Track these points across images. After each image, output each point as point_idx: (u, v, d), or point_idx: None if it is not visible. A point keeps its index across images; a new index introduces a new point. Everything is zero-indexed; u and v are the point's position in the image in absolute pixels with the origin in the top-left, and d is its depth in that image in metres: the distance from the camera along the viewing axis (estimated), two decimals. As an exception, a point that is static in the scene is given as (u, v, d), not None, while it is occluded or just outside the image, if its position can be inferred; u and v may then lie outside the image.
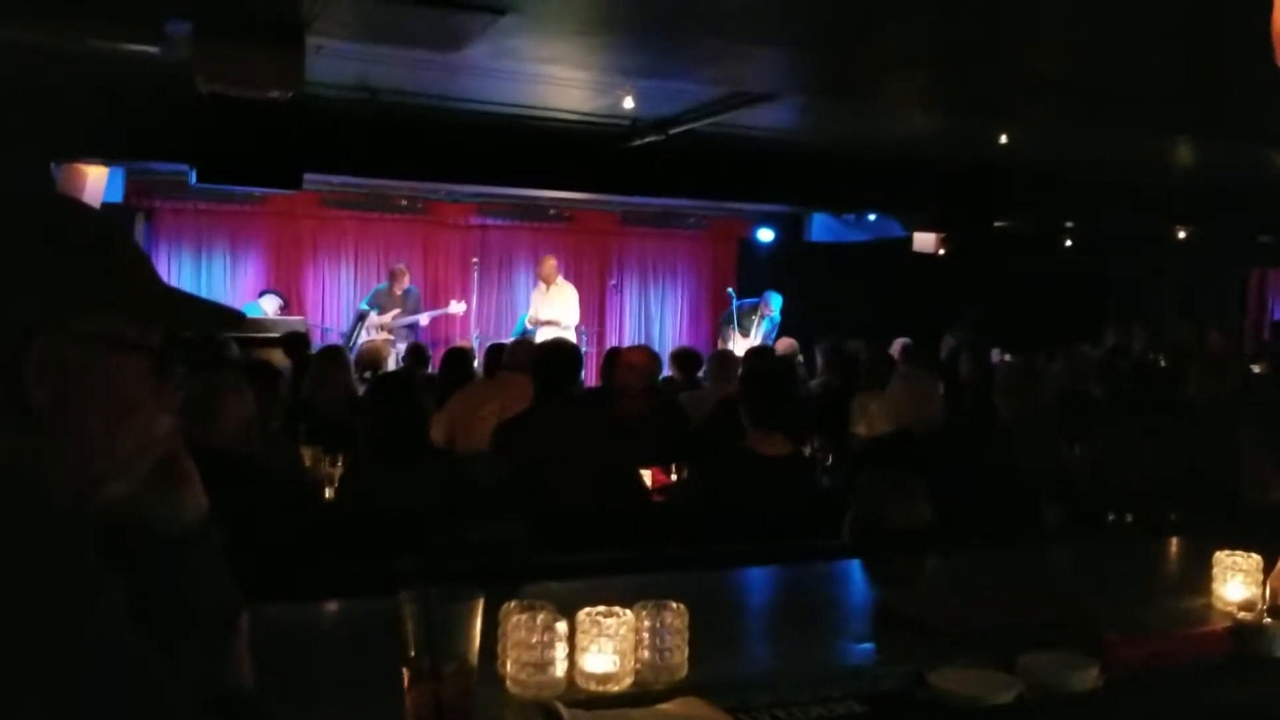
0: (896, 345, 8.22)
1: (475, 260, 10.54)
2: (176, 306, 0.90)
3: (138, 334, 0.87)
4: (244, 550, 1.07)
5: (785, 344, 8.30)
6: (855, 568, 2.16)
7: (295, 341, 7.17)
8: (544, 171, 8.75)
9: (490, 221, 11.35)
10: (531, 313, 9.69)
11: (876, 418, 4.70)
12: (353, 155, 7.99)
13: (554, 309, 9.65)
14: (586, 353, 10.41)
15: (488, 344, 6.78)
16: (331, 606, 1.62)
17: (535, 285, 10.20)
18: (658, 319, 12.26)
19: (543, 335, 8.73)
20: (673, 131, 7.70)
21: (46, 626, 0.72)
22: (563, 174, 8.82)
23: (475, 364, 7.40)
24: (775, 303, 10.38)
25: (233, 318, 0.96)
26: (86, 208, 0.91)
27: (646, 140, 8.05)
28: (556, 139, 8.24)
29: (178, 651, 0.88)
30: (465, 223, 11.24)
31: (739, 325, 10.24)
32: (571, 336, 9.44)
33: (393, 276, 9.83)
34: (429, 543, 2.43)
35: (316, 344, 8.22)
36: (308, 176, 7.93)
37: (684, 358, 6.49)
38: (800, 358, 8.00)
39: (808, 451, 4.45)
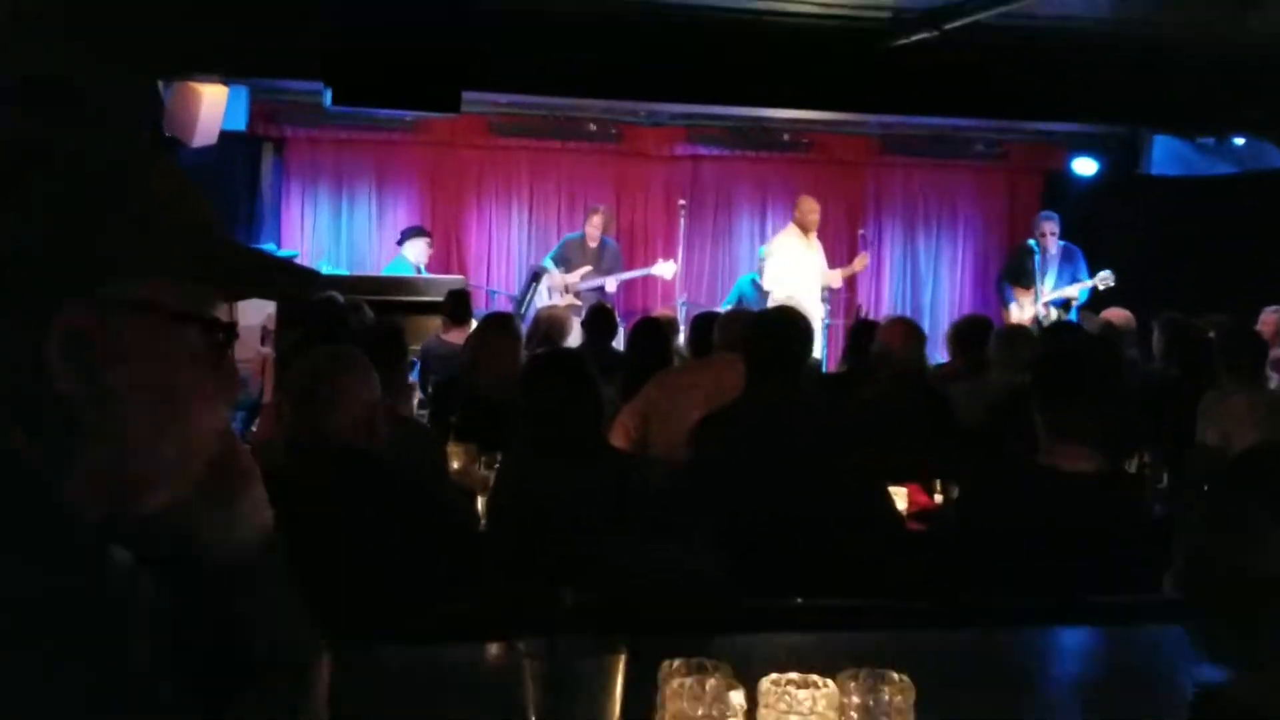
0: (1269, 320, 7.69)
1: (683, 203, 10.66)
2: (234, 264, 0.92)
3: (189, 300, 0.88)
4: (353, 577, 1.10)
5: (1113, 317, 7.91)
6: (1180, 637, 2.05)
7: (457, 304, 7.48)
8: (775, 84, 8.71)
9: (703, 151, 11.49)
10: (775, 271, 9.73)
11: (1238, 422, 4.41)
12: (526, 68, 8.20)
13: (811, 271, 9.72)
14: (829, 325, 10.39)
15: (696, 314, 6.81)
16: (452, 651, 1.65)
17: (771, 237, 10.36)
18: (928, 282, 12.07)
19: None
20: (949, 26, 7.46)
21: (59, 683, 0.74)
22: (800, 86, 8.75)
23: (679, 340, 7.51)
24: (1084, 264, 10.02)
25: (306, 278, 0.98)
26: (111, 128, 0.91)
27: (914, 38, 7.84)
28: (791, 40, 8.17)
29: (235, 705, 0.92)
30: (671, 153, 11.43)
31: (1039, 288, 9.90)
32: (814, 308, 9.46)
33: (591, 222, 10.17)
34: (584, 572, 2.47)
35: (478, 313, 8.58)
36: (469, 96, 8.24)
37: (966, 333, 6.21)
38: (1128, 337, 7.60)
39: (1132, 468, 4.24)
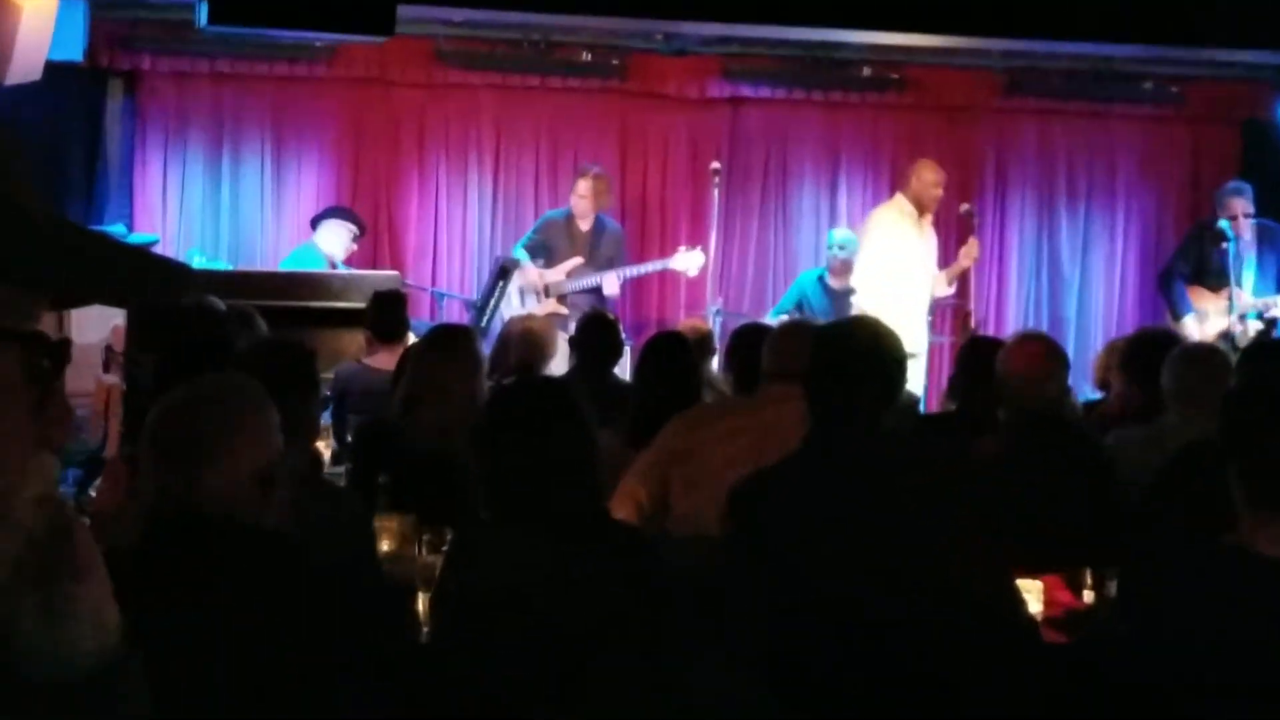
0: None
1: (717, 167, 10.70)
2: (72, 262, 0.91)
3: None
4: (235, 710, 1.11)
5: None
6: None
7: (389, 314, 7.50)
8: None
9: (747, 91, 11.58)
10: (869, 264, 9.75)
11: None
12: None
13: (919, 269, 9.75)
14: (938, 344, 10.46)
15: (736, 327, 6.84)
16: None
17: (846, 220, 10.55)
18: (1073, 281, 12.12)
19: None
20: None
21: None
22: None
23: (712, 365, 7.49)
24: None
25: (170, 276, 0.98)
26: None
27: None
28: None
29: None
30: (700, 94, 11.50)
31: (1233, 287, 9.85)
32: (918, 322, 9.53)
33: (580, 192, 10.27)
34: (571, 703, 2.47)
35: (420, 325, 8.56)
36: (408, 12, 8.32)
37: (1133, 357, 6.14)
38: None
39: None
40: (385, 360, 6.93)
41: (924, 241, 9.91)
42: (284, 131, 11.15)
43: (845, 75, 11.47)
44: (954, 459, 4.66)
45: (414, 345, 6.13)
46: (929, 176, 9.84)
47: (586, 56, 11.13)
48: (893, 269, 9.66)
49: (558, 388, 3.81)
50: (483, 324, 9.28)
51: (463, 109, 11.36)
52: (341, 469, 5.75)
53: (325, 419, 6.69)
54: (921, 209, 9.83)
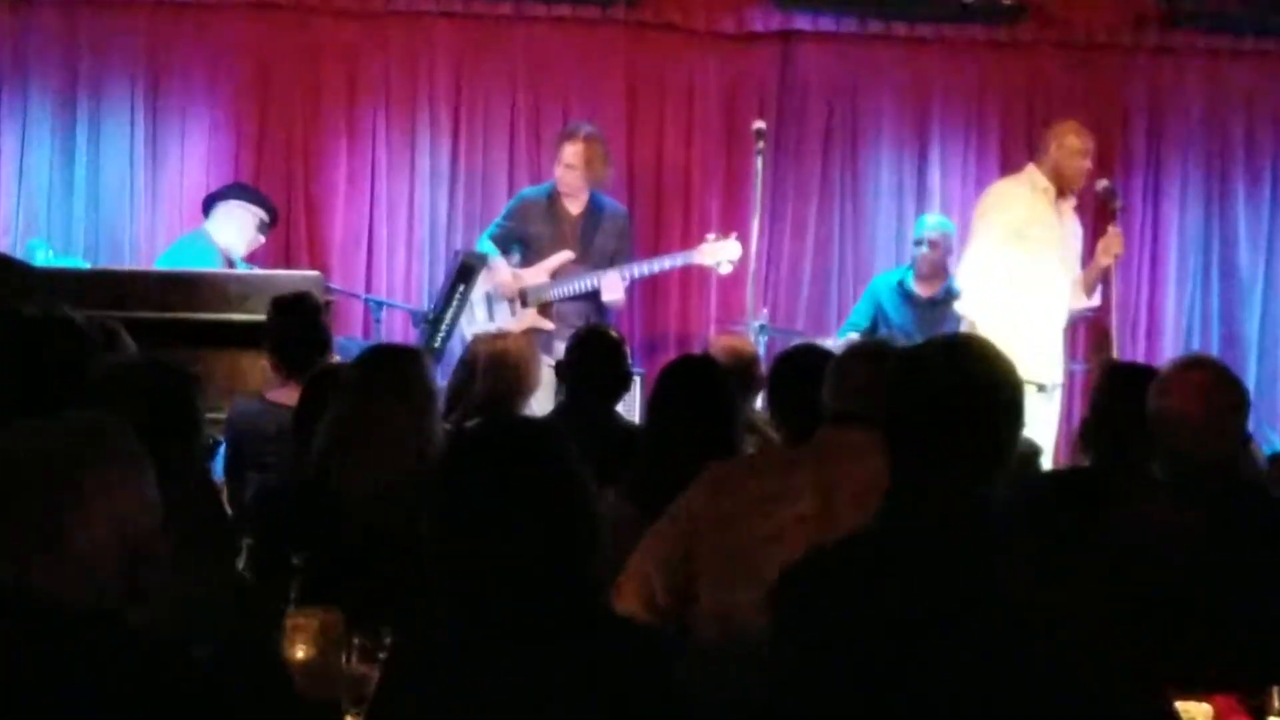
0: None
1: (760, 126, 10.71)
2: None
3: None
4: None
5: None
6: None
7: (301, 331, 7.49)
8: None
9: (803, 23, 11.67)
10: (983, 262, 9.68)
11: None
12: None
13: (1056, 271, 9.68)
14: (1078, 373, 10.48)
15: (786, 349, 6.85)
16: None
17: (983, 194, 10.38)
18: (1255, 280, 12.10)
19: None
20: None
21: None
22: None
23: (755, 401, 7.49)
24: None
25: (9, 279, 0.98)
26: None
27: None
28: None
29: None
30: (737, 28, 11.63)
31: None
32: (1052, 345, 9.53)
33: (568, 159, 10.34)
34: None
35: (350, 344, 8.56)
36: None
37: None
38: None
39: None
40: (298, 395, 6.92)
41: (1064, 231, 9.86)
42: (162, 77, 11.23)
43: (939, 2, 11.52)
44: (1088, 533, 4.65)
45: (340, 374, 6.09)
46: (1074, 143, 9.75)
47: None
48: (1019, 270, 9.58)
49: (539, 432, 3.79)
50: (436, 344, 9.28)
51: (409, 47, 11.47)
52: (243, 545, 5.72)
53: (217, 473, 6.69)
54: (1062, 186, 9.75)
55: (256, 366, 7.85)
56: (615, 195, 10.70)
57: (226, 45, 11.18)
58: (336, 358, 7.33)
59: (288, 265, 10.48)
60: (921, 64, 11.82)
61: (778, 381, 6.17)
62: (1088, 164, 9.79)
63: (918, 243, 10.55)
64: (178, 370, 5.30)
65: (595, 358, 7.11)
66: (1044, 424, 9.00)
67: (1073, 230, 9.94)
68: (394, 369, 5.58)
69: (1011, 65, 11.76)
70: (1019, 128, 11.61)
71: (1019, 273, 9.53)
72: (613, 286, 10.18)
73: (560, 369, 7.19)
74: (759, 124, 10.73)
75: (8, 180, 10.93)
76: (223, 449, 7.04)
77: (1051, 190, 9.69)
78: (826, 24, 11.60)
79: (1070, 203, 9.83)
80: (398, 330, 10.63)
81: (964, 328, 9.10)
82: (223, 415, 7.06)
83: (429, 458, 4.98)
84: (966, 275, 9.73)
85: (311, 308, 7.64)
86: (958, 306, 9.74)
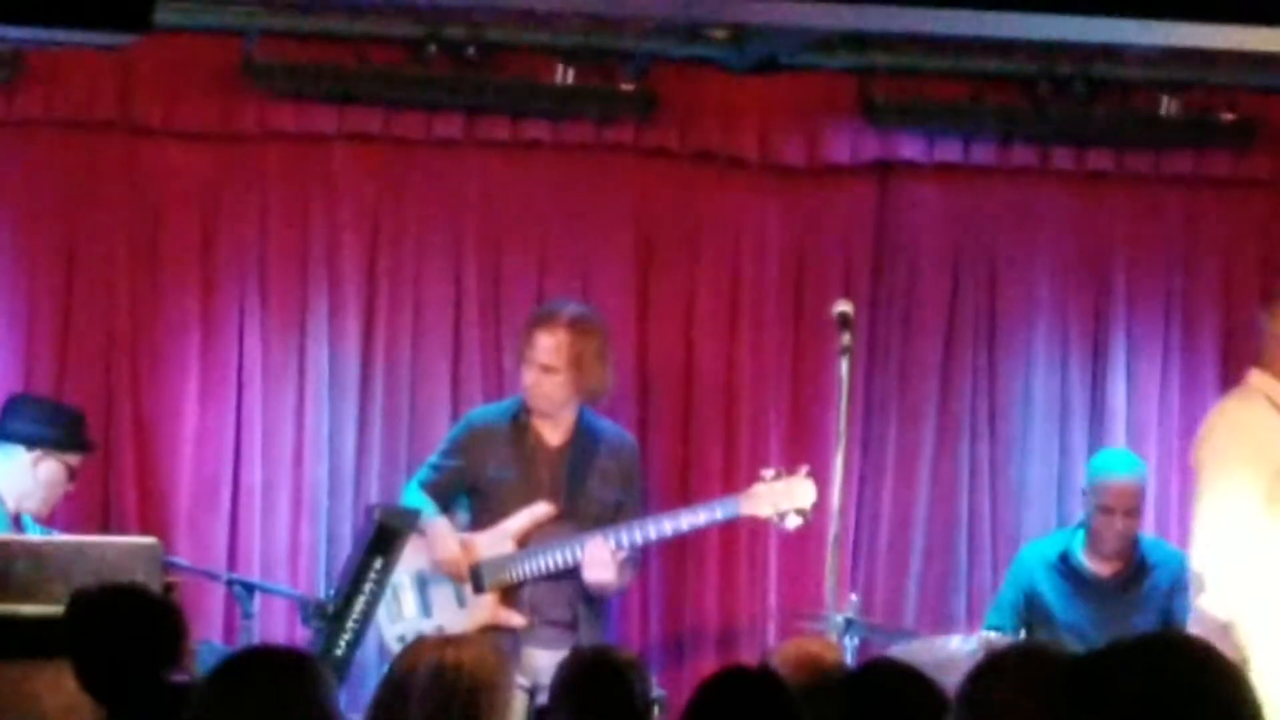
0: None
1: (846, 309, 10.78)
2: None
3: None
4: None
5: None
6: None
7: (114, 626, 7.55)
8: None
9: (911, 151, 11.83)
10: (1218, 523, 9.71)
11: None
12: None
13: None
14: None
15: (881, 656, 6.94)
16: None
17: (1206, 423, 10.42)
18: None
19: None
20: None
21: None
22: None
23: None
24: None
25: None
26: None
27: None
28: None
29: None
30: (808, 157, 11.74)
31: None
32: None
33: (540, 357, 10.40)
34: None
35: (208, 650, 8.61)
36: None
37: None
38: None
39: None
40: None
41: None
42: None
43: (1129, 116, 11.72)
44: None
45: (192, 692, 6.12)
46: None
47: (564, 75, 11.38)
48: (1261, 533, 9.64)
49: None
50: (339, 651, 9.24)
51: (300, 183, 11.58)
52: None
53: None
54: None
55: (60, 690, 7.81)
56: (620, 415, 10.73)
57: (18, 176, 11.30)
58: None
59: (107, 528, 10.45)
60: (1097, 213, 11.96)
61: (868, 704, 6.21)
62: None
63: (1093, 493, 10.53)
64: None
65: (596, 689, 7.14)
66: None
67: None
68: (274, 688, 5.63)
69: (1233, 212, 11.88)
70: (1251, 305, 11.58)
71: (1262, 541, 9.45)
72: (596, 560, 10.20)
73: (541, 718, 7.16)
74: (843, 305, 10.73)
75: None
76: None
77: None
78: (949, 153, 11.74)
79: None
80: (278, 628, 10.59)
81: (1197, 628, 8.97)
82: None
83: None
84: (1206, 548, 9.61)
85: (139, 601, 7.66)
86: (1202, 603, 9.55)
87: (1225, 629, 8.89)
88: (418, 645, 7.50)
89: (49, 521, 10.04)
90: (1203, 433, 9.96)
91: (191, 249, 11.35)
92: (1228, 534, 9.42)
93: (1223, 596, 9.26)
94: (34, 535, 9.81)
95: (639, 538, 10.32)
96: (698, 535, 10.84)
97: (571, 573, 10.13)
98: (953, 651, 9.47)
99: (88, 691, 7.34)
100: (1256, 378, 9.77)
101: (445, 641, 7.65)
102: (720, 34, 11.11)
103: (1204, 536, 9.54)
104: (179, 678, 7.17)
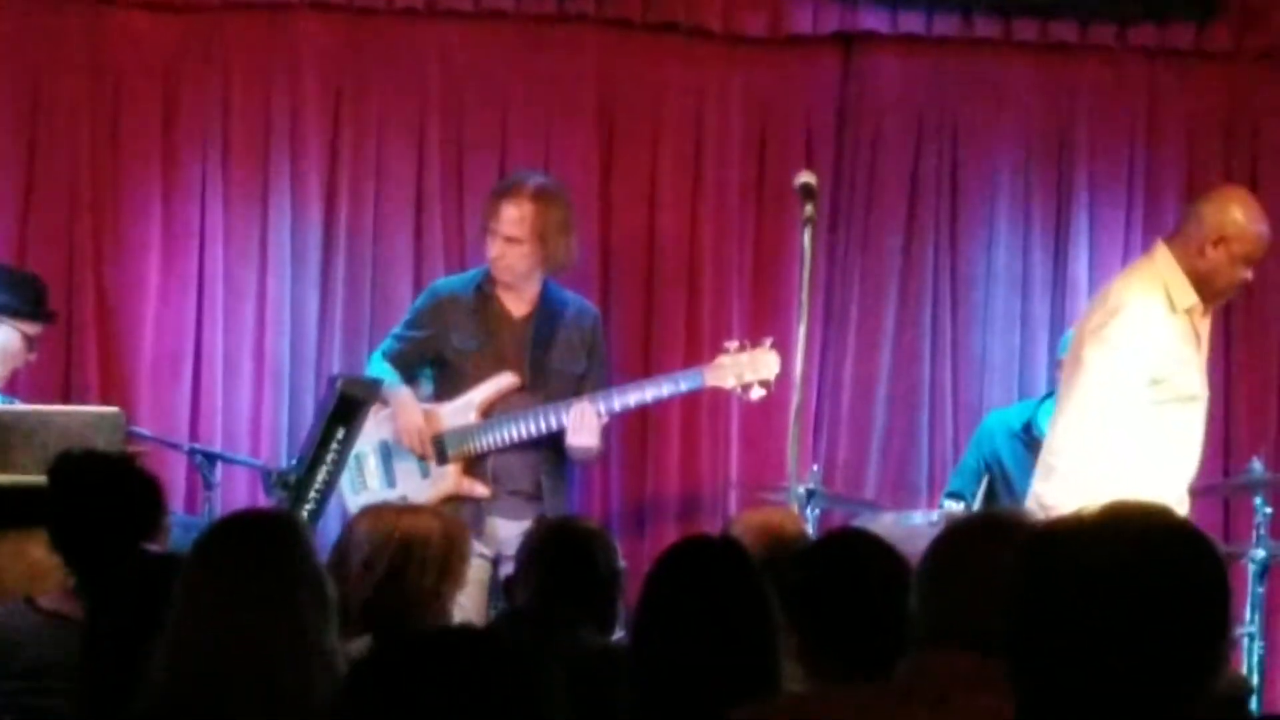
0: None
1: (808, 180, 10.74)
2: None
3: None
4: None
5: None
6: None
7: (78, 487, 7.55)
8: None
9: (875, 22, 11.85)
10: (1117, 400, 9.67)
11: None
12: None
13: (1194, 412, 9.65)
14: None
15: (848, 525, 6.96)
16: None
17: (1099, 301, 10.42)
18: None
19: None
20: None
21: None
22: None
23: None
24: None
25: None
26: None
27: None
28: None
29: None
30: (771, 28, 11.81)
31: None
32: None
33: (504, 229, 10.47)
34: None
35: (184, 523, 8.64)
36: None
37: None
38: None
39: None
40: (73, 606, 6.98)
41: (1199, 360, 9.93)
42: None
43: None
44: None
45: (176, 566, 6.10)
46: (1237, 217, 9.66)
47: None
48: (1153, 442, 9.61)
49: (482, 656, 3.72)
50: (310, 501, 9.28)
51: (263, 52, 11.63)
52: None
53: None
54: (1209, 293, 9.75)
55: (25, 558, 7.82)
56: (583, 286, 10.76)
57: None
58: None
59: (68, 398, 10.47)
60: (1060, 85, 12.05)
61: (829, 577, 6.21)
62: (1259, 250, 9.68)
63: (1059, 365, 10.55)
64: None
65: (562, 556, 7.15)
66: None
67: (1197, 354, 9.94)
68: (266, 550, 5.62)
69: (1199, 84, 11.95)
70: (1212, 177, 11.72)
71: (1152, 447, 9.52)
72: (583, 425, 10.26)
73: (508, 587, 7.16)
74: (806, 177, 10.73)
75: None
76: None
77: (1197, 309, 9.71)
78: (913, 24, 11.75)
79: (1208, 321, 9.94)
80: (240, 499, 10.66)
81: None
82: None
83: (322, 693, 4.99)
84: (1067, 440, 9.63)
85: (123, 469, 7.70)
86: (1040, 489, 9.61)
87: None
88: (375, 512, 7.52)
89: (10, 390, 10.01)
90: (1100, 316, 9.79)
91: (154, 118, 11.37)
92: (1093, 437, 9.48)
93: (1066, 493, 9.13)
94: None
95: (615, 406, 10.37)
96: (660, 407, 10.94)
97: (535, 443, 10.19)
98: (916, 525, 9.49)
99: (63, 557, 7.34)
100: (1162, 255, 9.68)
101: (403, 509, 7.67)
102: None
103: (1069, 429, 9.63)
104: (152, 548, 7.17)
